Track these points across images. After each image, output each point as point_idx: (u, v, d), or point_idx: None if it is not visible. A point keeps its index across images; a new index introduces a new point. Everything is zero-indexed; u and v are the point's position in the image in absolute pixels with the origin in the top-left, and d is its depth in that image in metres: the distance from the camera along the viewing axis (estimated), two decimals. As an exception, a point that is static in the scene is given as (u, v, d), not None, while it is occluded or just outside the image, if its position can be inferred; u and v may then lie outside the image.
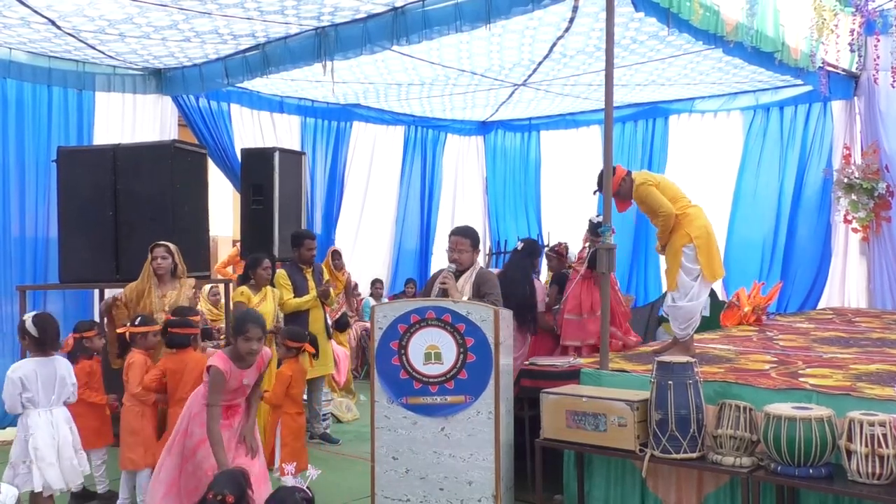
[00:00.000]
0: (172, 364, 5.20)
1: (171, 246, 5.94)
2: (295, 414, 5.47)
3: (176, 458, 4.30)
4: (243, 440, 4.35)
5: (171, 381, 5.15)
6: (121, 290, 6.06)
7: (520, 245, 6.66)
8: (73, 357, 5.52)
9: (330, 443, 7.02)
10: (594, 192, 5.81)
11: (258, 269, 6.55)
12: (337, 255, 9.35)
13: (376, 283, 10.77)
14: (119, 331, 5.47)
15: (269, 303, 6.53)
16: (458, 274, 5.33)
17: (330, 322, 7.64)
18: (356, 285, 10.22)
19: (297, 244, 6.98)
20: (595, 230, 6.41)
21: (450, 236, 5.42)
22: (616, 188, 5.44)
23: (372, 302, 10.14)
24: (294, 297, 6.81)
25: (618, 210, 5.48)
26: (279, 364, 5.81)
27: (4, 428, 7.25)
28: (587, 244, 6.50)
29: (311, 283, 6.93)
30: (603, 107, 5.23)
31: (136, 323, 5.37)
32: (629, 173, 5.58)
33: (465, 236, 5.37)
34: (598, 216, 6.59)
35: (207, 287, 8.97)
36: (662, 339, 8.01)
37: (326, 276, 7.39)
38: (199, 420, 4.24)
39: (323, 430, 7.11)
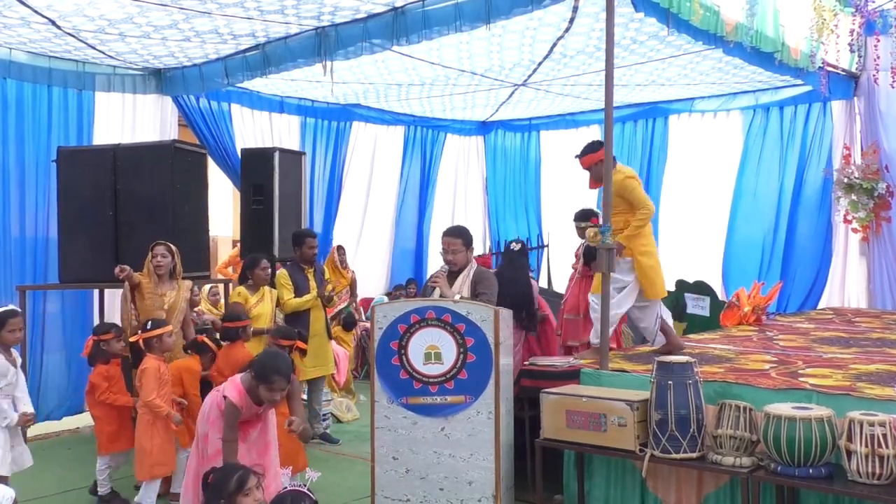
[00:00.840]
0: (224, 355, 5.50)
1: (172, 246, 5.95)
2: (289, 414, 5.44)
3: (207, 466, 4.08)
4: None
5: (224, 371, 5.36)
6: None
7: (516, 245, 6.78)
8: (92, 360, 5.48)
9: (330, 443, 7.02)
10: (575, 157, 5.82)
11: (256, 269, 6.54)
12: (342, 250, 9.35)
13: (409, 285, 10.78)
14: (132, 339, 5.44)
15: (266, 303, 6.52)
16: (454, 274, 5.36)
17: (329, 320, 7.58)
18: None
19: (299, 243, 6.95)
20: (581, 217, 6.57)
21: (442, 238, 5.46)
22: (589, 165, 5.59)
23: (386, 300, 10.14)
24: (294, 297, 6.79)
25: (589, 186, 5.72)
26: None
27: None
28: (583, 241, 6.52)
29: (313, 283, 6.88)
30: (603, 107, 5.23)
31: (149, 327, 5.35)
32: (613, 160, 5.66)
33: (456, 236, 5.40)
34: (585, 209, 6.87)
35: (207, 287, 8.97)
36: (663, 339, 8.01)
37: (328, 276, 7.35)
38: (217, 426, 4.13)
39: (323, 430, 7.11)
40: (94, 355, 5.48)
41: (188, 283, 6.12)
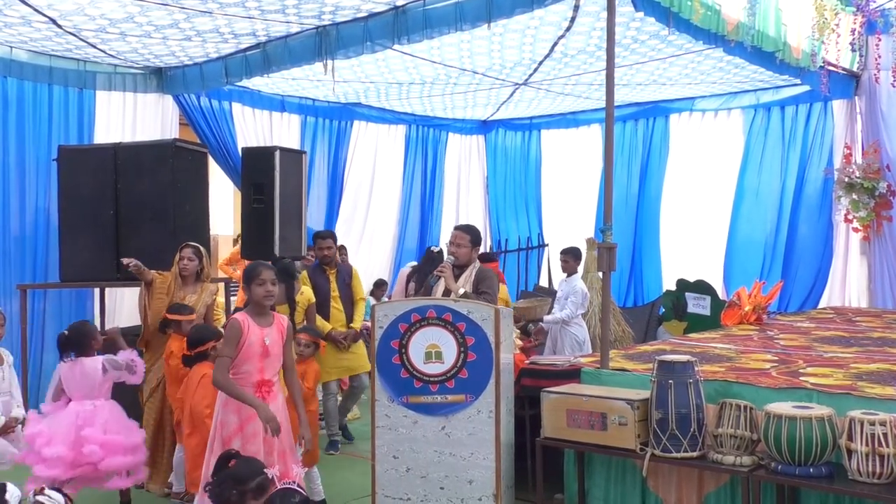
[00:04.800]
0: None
1: (201, 249, 5.91)
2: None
3: (218, 453, 4.17)
4: (301, 440, 4.32)
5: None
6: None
7: (436, 249, 7.86)
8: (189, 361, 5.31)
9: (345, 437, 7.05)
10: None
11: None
12: (343, 250, 9.35)
13: (381, 286, 10.63)
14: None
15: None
16: (457, 271, 5.44)
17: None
18: None
19: (312, 244, 7.01)
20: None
21: (452, 230, 5.67)
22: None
23: (373, 301, 10.11)
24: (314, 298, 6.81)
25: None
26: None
27: None
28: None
29: (334, 285, 6.89)
30: (604, 106, 5.22)
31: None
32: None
33: (466, 232, 5.59)
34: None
35: None
36: (663, 338, 8.02)
37: (356, 279, 7.19)
38: (231, 407, 4.19)
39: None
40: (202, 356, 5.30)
41: (213, 286, 6.08)
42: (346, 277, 7.02)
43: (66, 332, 5.25)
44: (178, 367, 5.37)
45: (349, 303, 7.02)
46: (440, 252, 7.83)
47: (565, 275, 8.24)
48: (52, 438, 4.87)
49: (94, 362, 5.09)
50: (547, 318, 7.94)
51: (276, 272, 4.34)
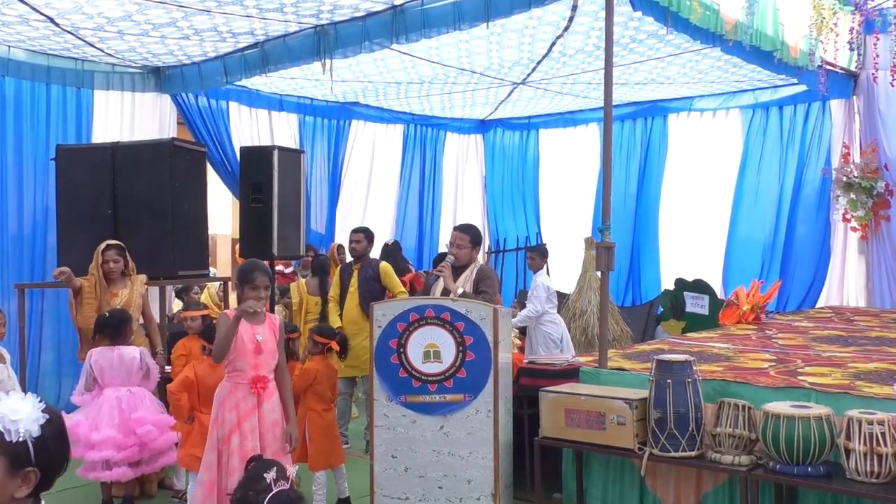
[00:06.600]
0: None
1: (122, 245, 5.93)
2: (322, 411, 5.39)
3: (213, 453, 4.21)
4: (289, 438, 4.34)
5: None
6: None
7: (391, 241, 8.42)
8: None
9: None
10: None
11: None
12: (341, 249, 9.37)
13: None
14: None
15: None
16: (458, 270, 5.44)
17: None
18: None
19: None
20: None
21: (452, 231, 5.68)
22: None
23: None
24: (339, 294, 6.98)
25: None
26: (303, 360, 5.77)
27: None
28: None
29: (353, 281, 6.94)
30: (602, 105, 5.23)
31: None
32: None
33: (465, 232, 5.60)
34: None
35: (217, 284, 8.93)
36: (661, 338, 8.02)
37: (385, 275, 7.11)
38: (228, 405, 4.19)
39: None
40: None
41: (142, 277, 6.06)
42: (370, 271, 6.98)
43: (106, 314, 5.40)
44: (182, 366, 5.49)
45: (375, 298, 6.88)
46: (395, 244, 8.34)
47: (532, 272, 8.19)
48: (97, 424, 5.13)
49: (132, 351, 5.35)
50: (512, 321, 7.88)
51: (270, 277, 4.34)
